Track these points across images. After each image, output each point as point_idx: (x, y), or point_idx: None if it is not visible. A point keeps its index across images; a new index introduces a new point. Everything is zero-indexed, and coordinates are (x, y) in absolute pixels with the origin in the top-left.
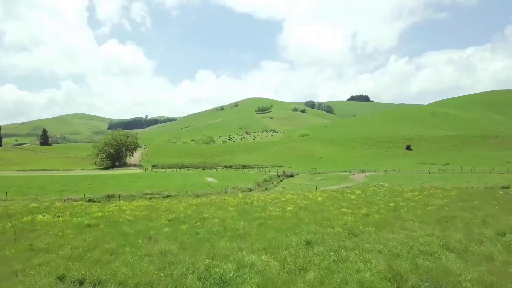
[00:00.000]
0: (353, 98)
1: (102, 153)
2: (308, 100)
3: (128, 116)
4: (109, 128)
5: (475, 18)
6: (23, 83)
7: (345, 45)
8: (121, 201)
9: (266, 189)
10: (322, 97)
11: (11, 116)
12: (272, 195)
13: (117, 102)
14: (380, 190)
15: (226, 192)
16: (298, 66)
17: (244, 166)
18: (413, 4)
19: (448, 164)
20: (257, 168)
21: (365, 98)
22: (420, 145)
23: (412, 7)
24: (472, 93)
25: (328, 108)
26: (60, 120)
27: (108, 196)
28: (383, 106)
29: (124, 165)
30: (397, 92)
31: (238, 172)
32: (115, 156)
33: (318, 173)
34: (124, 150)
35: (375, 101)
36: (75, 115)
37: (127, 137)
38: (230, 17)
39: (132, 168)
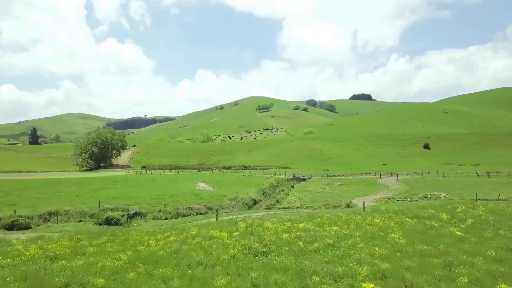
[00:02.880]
0: (355, 97)
1: (85, 153)
2: (309, 99)
3: (127, 116)
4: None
5: (477, 17)
6: (22, 83)
7: (345, 44)
8: (19, 240)
9: (278, 201)
10: (323, 97)
11: (11, 117)
12: (300, 224)
13: (116, 102)
14: (478, 211)
15: (220, 210)
16: (298, 65)
17: (245, 167)
18: (416, 2)
19: (479, 164)
20: (259, 169)
21: (367, 97)
22: (439, 143)
23: (414, 4)
24: (474, 91)
25: (330, 107)
26: (57, 119)
27: (49, 214)
28: (386, 105)
29: (110, 166)
30: (398, 91)
31: (237, 175)
32: (100, 156)
33: (334, 176)
34: (110, 149)
35: (377, 100)
36: (72, 114)
37: (114, 134)
38: (230, 16)
39: (119, 169)
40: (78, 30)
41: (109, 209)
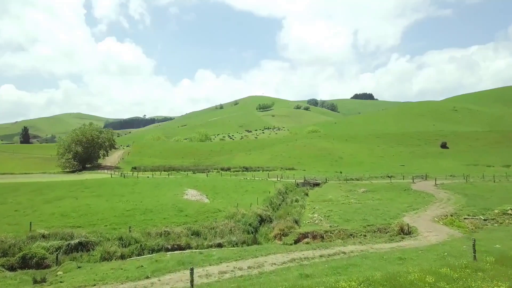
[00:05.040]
0: (357, 96)
1: (68, 153)
2: (310, 98)
3: (126, 116)
4: (104, 128)
5: (478, 16)
6: (21, 83)
7: (346, 43)
8: None
9: (296, 221)
10: (323, 96)
11: (11, 118)
12: None
13: (116, 102)
14: None
15: (212, 237)
16: (299, 64)
17: (246, 169)
18: (418, 0)
19: (510, 165)
20: (262, 170)
21: (369, 96)
22: (457, 142)
23: (416, 3)
24: (476, 91)
25: (332, 106)
26: (54, 119)
27: None
28: (388, 104)
29: (97, 167)
30: (399, 91)
31: (237, 179)
32: (85, 156)
33: (352, 179)
34: (96, 148)
35: (378, 99)
36: (70, 114)
37: (101, 132)
38: (230, 15)
39: (105, 171)
40: (77, 29)
41: (43, 236)
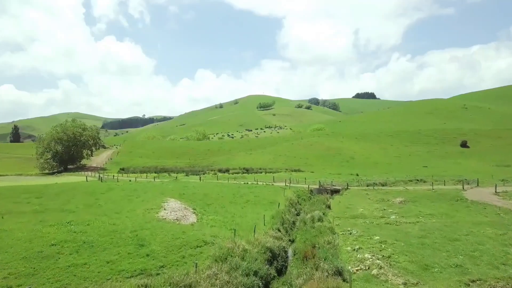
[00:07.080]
0: (358, 96)
1: (47, 152)
2: (311, 97)
3: (126, 116)
4: (103, 128)
5: (481, 15)
6: (21, 83)
7: (347, 42)
8: None
9: (340, 273)
10: (324, 96)
11: (10, 118)
12: None
13: (116, 102)
14: None
15: None
16: (299, 64)
17: (246, 170)
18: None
19: None
20: (265, 172)
21: (371, 96)
22: (477, 141)
23: (418, 2)
24: (477, 90)
25: (333, 105)
26: (52, 119)
27: None
28: (390, 103)
29: (82, 168)
30: (400, 90)
31: (237, 184)
32: (66, 156)
33: (376, 184)
34: (79, 148)
35: (380, 98)
36: (68, 114)
37: (84, 130)
38: (230, 14)
39: (88, 173)
40: (76, 28)
41: None
